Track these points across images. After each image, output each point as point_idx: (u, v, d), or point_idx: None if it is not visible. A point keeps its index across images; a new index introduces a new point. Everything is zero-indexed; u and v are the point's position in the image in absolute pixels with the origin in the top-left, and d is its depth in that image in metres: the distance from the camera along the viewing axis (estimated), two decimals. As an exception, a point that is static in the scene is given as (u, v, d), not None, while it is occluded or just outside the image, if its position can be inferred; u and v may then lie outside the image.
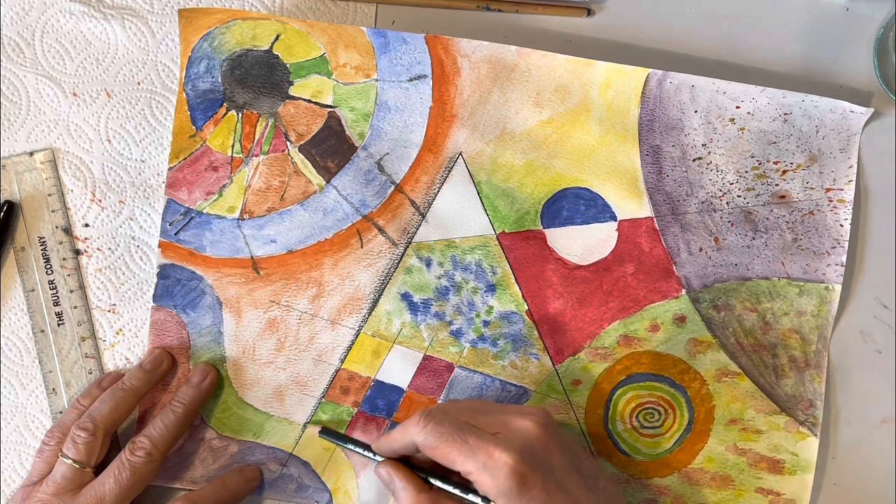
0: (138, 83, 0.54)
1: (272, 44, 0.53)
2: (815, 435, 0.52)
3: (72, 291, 0.53)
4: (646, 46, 0.54)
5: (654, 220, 0.53)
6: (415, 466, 0.48)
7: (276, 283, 0.53)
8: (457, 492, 0.46)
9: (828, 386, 0.53)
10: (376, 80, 0.53)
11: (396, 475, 0.47)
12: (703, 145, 0.53)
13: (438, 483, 0.47)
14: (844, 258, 0.52)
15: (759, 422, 0.52)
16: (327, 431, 0.52)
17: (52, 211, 0.53)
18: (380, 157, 0.53)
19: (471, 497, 0.45)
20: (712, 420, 0.52)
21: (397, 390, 0.53)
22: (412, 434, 0.45)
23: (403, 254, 0.53)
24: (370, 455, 0.50)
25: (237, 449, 0.53)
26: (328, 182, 0.53)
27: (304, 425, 0.53)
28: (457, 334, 0.53)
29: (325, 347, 0.53)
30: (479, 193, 0.53)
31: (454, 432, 0.44)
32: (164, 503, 0.53)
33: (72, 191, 0.54)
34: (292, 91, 0.53)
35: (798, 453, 0.52)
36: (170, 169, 0.53)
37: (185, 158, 0.53)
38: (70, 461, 0.48)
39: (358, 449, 0.50)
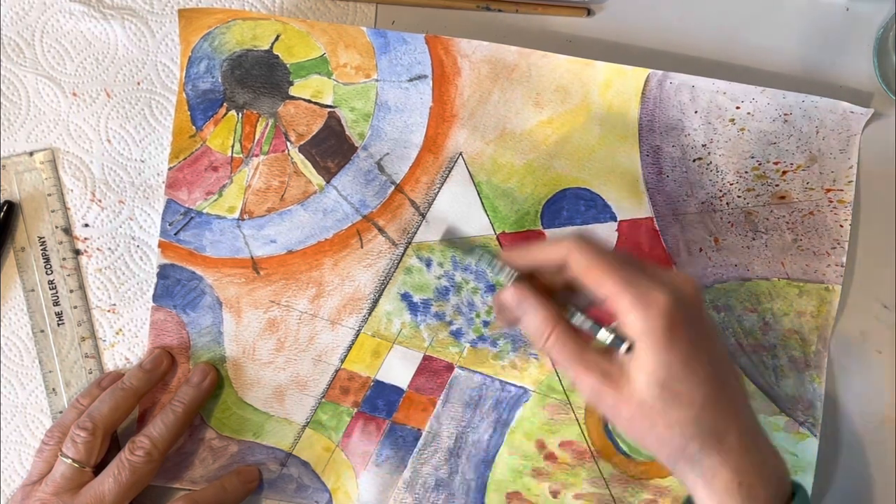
0: (138, 83, 0.54)
1: (272, 44, 0.53)
2: (815, 436, 0.52)
3: (72, 291, 0.53)
4: (646, 46, 0.54)
5: (655, 220, 0.53)
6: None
7: (276, 283, 0.53)
8: (593, 326, 0.42)
9: (828, 386, 0.53)
10: (376, 80, 0.53)
11: (531, 296, 0.42)
12: (703, 146, 0.53)
13: (576, 314, 0.42)
14: (844, 258, 0.52)
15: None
16: (450, 241, 0.48)
17: (52, 211, 0.53)
18: (380, 157, 0.53)
19: (601, 336, 0.41)
20: (712, 420, 0.52)
21: (397, 390, 0.53)
22: (565, 248, 0.41)
23: (403, 254, 0.53)
24: (491, 269, 0.44)
25: (237, 449, 0.53)
26: (328, 182, 0.53)
27: (303, 427, 0.53)
28: (457, 334, 0.53)
29: (325, 347, 0.53)
30: (479, 194, 0.53)
31: (613, 260, 0.40)
32: (164, 503, 0.53)
33: (72, 191, 0.54)
34: (292, 91, 0.53)
35: (798, 454, 0.52)
36: (170, 169, 0.53)
37: (185, 158, 0.53)
38: (70, 460, 0.48)
39: (482, 259, 0.44)
